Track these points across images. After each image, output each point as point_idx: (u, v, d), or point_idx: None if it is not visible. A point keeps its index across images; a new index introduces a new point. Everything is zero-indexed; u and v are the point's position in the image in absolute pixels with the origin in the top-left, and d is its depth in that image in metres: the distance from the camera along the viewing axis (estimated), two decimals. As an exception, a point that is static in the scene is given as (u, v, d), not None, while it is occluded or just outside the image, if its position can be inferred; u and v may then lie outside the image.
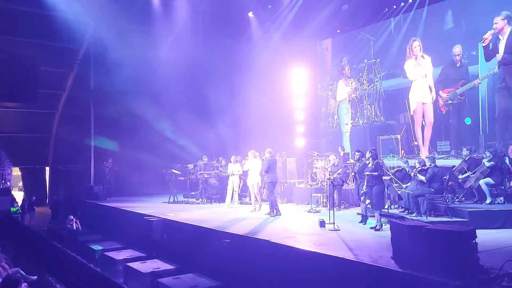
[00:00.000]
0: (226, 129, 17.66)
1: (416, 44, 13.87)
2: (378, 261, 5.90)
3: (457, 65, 12.81)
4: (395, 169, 11.40)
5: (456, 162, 11.27)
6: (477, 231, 5.42)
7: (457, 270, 4.94)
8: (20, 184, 21.07)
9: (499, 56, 11.73)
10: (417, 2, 13.72)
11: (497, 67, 11.81)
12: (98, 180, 17.05)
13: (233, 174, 12.61)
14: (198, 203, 14.14)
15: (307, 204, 12.16)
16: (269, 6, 16.94)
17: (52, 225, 14.18)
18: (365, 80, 15.74)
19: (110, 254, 10.61)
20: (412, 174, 10.14)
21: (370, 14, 14.96)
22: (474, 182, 9.80)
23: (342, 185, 11.67)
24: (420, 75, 13.83)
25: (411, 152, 13.76)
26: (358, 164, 9.65)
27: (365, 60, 15.70)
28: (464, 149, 10.63)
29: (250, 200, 12.27)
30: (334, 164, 11.95)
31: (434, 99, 13.46)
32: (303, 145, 16.29)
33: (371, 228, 8.65)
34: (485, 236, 6.72)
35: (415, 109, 13.98)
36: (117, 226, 12.77)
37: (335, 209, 9.27)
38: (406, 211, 9.83)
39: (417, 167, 10.09)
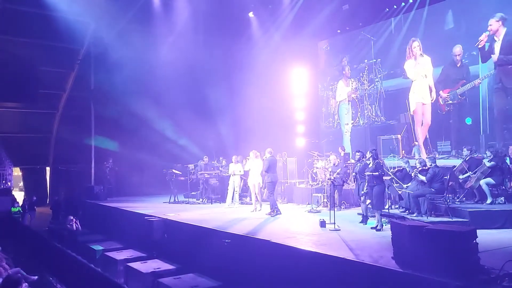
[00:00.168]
0: (226, 129, 17.66)
1: (416, 45, 13.87)
2: (378, 261, 5.90)
3: (458, 65, 12.81)
4: (396, 169, 11.39)
5: (456, 162, 11.27)
6: (477, 231, 5.42)
7: (457, 270, 4.93)
8: (21, 184, 21.10)
9: (495, 57, 11.82)
10: (417, 2, 13.73)
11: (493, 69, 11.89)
12: (98, 180, 17.06)
13: (234, 174, 12.60)
14: (199, 203, 14.14)
15: (308, 204, 12.16)
16: (270, 6, 16.94)
17: (52, 225, 14.19)
18: (366, 80, 15.74)
19: (110, 254, 10.62)
20: (412, 174, 10.14)
21: (371, 14, 14.96)
22: (475, 182, 9.79)
23: (343, 185, 11.67)
24: (420, 75, 13.83)
25: (412, 152, 13.75)
26: (358, 164, 9.64)
27: (366, 60, 15.70)
28: (465, 149, 10.62)
29: (251, 200, 12.27)
30: (334, 164, 11.95)
31: (434, 99, 13.46)
32: (303, 145, 16.29)
33: (371, 228, 8.64)
34: (485, 236, 6.71)
35: (415, 109, 13.98)
36: (117, 226, 12.77)
37: (335, 209, 9.26)
38: (407, 211, 9.83)
39: (417, 167, 10.09)
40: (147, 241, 10.54)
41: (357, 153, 9.93)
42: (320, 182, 12.80)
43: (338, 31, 16.58)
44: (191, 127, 17.29)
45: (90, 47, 17.54)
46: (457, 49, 12.73)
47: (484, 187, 9.59)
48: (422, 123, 13.75)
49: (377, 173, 8.72)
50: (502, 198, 9.56)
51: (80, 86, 18.13)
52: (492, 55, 11.90)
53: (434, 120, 13.44)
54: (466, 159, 10.38)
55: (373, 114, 15.47)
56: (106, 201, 15.27)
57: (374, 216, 8.90)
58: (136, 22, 16.63)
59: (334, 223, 8.70)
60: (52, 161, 19.58)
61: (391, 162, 13.05)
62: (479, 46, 12.14)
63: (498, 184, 9.64)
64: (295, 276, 6.70)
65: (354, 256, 6.30)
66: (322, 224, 8.86)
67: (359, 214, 9.92)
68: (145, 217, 10.83)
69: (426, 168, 9.82)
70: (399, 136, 14.07)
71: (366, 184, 8.97)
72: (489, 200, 9.52)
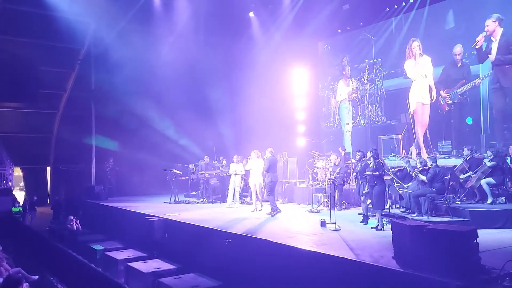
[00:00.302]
0: (227, 129, 17.66)
1: (416, 45, 13.87)
2: (379, 261, 5.90)
3: (458, 65, 12.80)
4: (396, 169, 11.39)
5: (457, 162, 11.27)
6: (478, 231, 5.41)
7: (458, 270, 4.93)
8: (22, 184, 21.12)
9: (492, 56, 11.87)
10: (418, 2, 13.71)
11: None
12: (99, 180, 17.07)
13: (236, 174, 12.60)
14: (199, 203, 14.15)
15: (308, 204, 12.16)
16: (270, 6, 16.93)
17: (53, 225, 14.21)
18: (366, 80, 15.73)
19: (111, 254, 10.62)
20: (413, 174, 10.14)
21: (371, 13, 14.95)
22: (476, 182, 9.78)
23: (343, 185, 11.66)
24: (419, 75, 13.83)
25: (409, 152, 13.75)
26: (359, 164, 9.64)
27: (366, 60, 15.69)
28: (465, 149, 10.62)
29: (251, 200, 12.27)
30: (335, 164, 11.94)
31: (434, 99, 13.45)
32: (304, 145, 16.29)
33: (372, 228, 8.64)
34: (486, 236, 6.70)
35: (415, 109, 13.99)
36: (118, 226, 12.78)
37: (336, 209, 9.26)
38: (407, 211, 9.82)
39: (418, 167, 10.09)
40: (148, 241, 10.54)
41: (357, 153, 9.92)
42: (320, 182, 12.80)
43: (339, 30, 16.58)
44: (192, 127, 17.29)
45: (90, 47, 17.56)
46: (458, 48, 12.73)
47: (485, 187, 9.58)
48: (421, 123, 13.75)
49: (377, 173, 8.72)
50: (503, 198, 9.55)
51: (81, 86, 18.15)
52: (489, 55, 11.96)
53: (435, 120, 13.43)
54: (467, 158, 10.38)
55: (374, 114, 15.47)
56: (107, 201, 15.28)
57: (375, 216, 8.89)
58: (136, 22, 16.64)
59: (335, 223, 8.69)
60: (52, 161, 19.60)
61: (392, 162, 13.05)
62: (476, 47, 12.20)
63: (499, 184, 9.63)
64: (295, 276, 6.70)
65: (355, 256, 6.29)
66: (323, 224, 8.86)
67: (359, 214, 9.92)
68: (146, 217, 10.84)
69: (427, 168, 9.82)
70: (399, 136, 14.07)
71: (367, 184, 8.97)
72: (489, 200, 9.51)
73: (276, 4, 16.71)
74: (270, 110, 16.90)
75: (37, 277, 7.43)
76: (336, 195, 11.07)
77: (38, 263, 9.63)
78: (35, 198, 16.25)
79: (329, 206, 10.43)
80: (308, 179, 13.88)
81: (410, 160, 11.42)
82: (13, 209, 14.99)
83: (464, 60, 12.65)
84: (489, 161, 9.69)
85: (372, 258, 6.07)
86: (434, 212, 9.30)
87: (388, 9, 14.56)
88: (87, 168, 17.71)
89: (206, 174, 14.24)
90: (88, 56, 17.75)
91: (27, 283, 5.35)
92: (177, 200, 14.28)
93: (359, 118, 15.99)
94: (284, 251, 7.08)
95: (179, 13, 17.40)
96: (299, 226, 9.39)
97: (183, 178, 14.99)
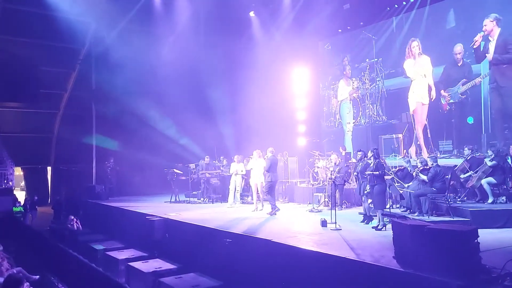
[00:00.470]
0: (227, 129, 17.66)
1: (415, 44, 13.87)
2: (380, 261, 5.90)
3: (459, 64, 12.79)
4: (397, 169, 11.39)
5: (458, 161, 11.26)
6: (479, 230, 5.40)
7: (459, 269, 4.93)
8: (22, 184, 21.14)
9: (490, 56, 11.88)
10: (418, 1, 13.69)
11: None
12: (100, 179, 17.09)
13: (237, 174, 12.60)
14: (200, 202, 14.15)
15: (309, 203, 12.15)
16: (270, 5, 16.92)
17: (54, 225, 14.22)
18: (367, 79, 15.72)
19: (112, 253, 10.63)
20: (414, 174, 10.13)
21: (372, 13, 14.93)
22: (476, 181, 9.78)
23: (344, 184, 11.65)
24: (419, 75, 13.83)
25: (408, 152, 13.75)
26: (360, 164, 9.64)
27: (367, 59, 15.67)
28: (466, 149, 10.61)
29: (253, 199, 12.26)
30: (335, 164, 11.93)
31: (434, 98, 13.44)
32: (304, 145, 16.28)
33: (372, 227, 8.64)
34: (487, 236, 6.68)
35: (415, 109, 13.98)
36: (119, 226, 12.78)
37: (336, 208, 9.25)
38: (408, 210, 9.82)
39: (419, 166, 10.08)
40: (148, 241, 10.55)
41: (358, 152, 9.93)
42: (321, 182, 12.79)
43: (339, 30, 16.56)
44: (192, 126, 17.30)
45: (91, 47, 17.58)
46: (458, 48, 12.71)
47: (486, 186, 9.57)
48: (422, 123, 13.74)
49: (377, 172, 8.71)
50: (504, 198, 9.55)
51: (81, 86, 18.17)
52: (486, 55, 11.98)
53: (436, 119, 13.41)
54: (468, 158, 10.37)
55: (375, 113, 15.45)
56: (108, 200, 15.29)
57: (376, 216, 8.89)
58: (137, 22, 16.67)
59: (335, 223, 8.69)
60: (53, 161, 19.63)
61: (393, 162, 13.03)
62: (474, 46, 12.22)
63: (500, 184, 9.62)
64: (296, 276, 6.70)
65: (355, 255, 6.29)
66: (323, 223, 8.86)
67: (360, 213, 9.92)
68: (146, 217, 10.85)
69: (428, 167, 9.82)
70: (400, 135, 14.06)
71: (368, 183, 8.97)
72: (490, 200, 9.51)
73: (277, 3, 16.71)
74: (271, 109, 16.89)
75: (37, 276, 7.43)
76: (337, 195, 11.06)
77: (39, 263, 9.64)
78: (36, 198, 16.27)
79: (330, 205, 10.42)
80: (309, 178, 13.87)
81: (410, 159, 11.41)
82: (14, 209, 15.01)
83: (465, 59, 12.64)
84: (490, 160, 9.69)
85: (372, 258, 6.07)
86: (435, 211, 9.29)
87: (388, 8, 14.54)
88: (88, 168, 17.74)
89: (206, 173, 14.24)
90: (88, 56, 17.77)
91: (28, 283, 5.35)
92: (178, 200, 14.28)
93: (360, 117, 15.98)
94: (284, 251, 7.08)
95: (180, 13, 17.42)
96: (300, 225, 9.39)
97: (183, 177, 15.00)
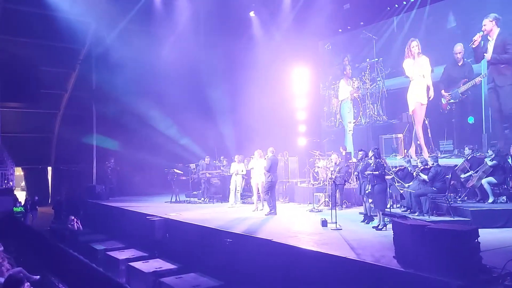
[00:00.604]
0: (228, 129, 17.66)
1: (414, 44, 13.87)
2: (380, 261, 5.90)
3: (459, 64, 12.78)
4: (397, 168, 11.38)
5: (459, 161, 11.25)
6: (479, 230, 5.40)
7: (459, 269, 4.93)
8: (23, 184, 21.14)
9: (488, 55, 11.89)
10: (418, 1, 13.68)
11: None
12: (100, 180, 17.10)
13: (237, 174, 12.61)
14: (200, 202, 14.16)
15: (309, 203, 12.15)
16: (270, 6, 16.91)
17: (54, 225, 14.21)
18: (368, 79, 15.71)
19: (112, 253, 10.64)
20: (414, 174, 10.13)
21: (372, 13, 14.92)
22: (477, 181, 9.78)
23: (344, 184, 11.65)
24: (418, 75, 13.84)
25: (416, 151, 13.75)
26: (361, 163, 9.63)
27: (368, 59, 15.66)
28: (467, 148, 10.61)
29: (253, 199, 12.26)
30: (336, 164, 11.93)
31: (432, 98, 13.46)
32: (305, 145, 16.27)
33: (373, 227, 8.64)
34: (487, 235, 6.68)
35: (414, 109, 14.00)
36: (119, 226, 12.79)
37: (337, 208, 9.25)
38: (409, 210, 9.81)
39: (419, 166, 10.08)
40: (149, 241, 10.55)
41: (360, 152, 9.92)
42: (321, 182, 12.79)
43: (340, 30, 16.55)
44: (193, 126, 17.31)
45: (91, 47, 17.60)
46: (458, 47, 12.70)
47: (486, 186, 9.57)
48: (426, 122, 13.73)
49: (377, 172, 8.71)
50: (504, 197, 9.54)
51: (82, 86, 18.18)
52: (485, 54, 12.00)
53: (437, 119, 13.39)
54: (468, 158, 10.37)
55: (375, 113, 15.44)
56: (108, 200, 15.30)
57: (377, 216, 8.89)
58: (137, 22, 16.68)
59: (336, 223, 8.69)
60: (53, 161, 19.63)
61: (393, 161, 13.02)
62: (473, 46, 12.23)
63: (500, 183, 9.62)
64: (296, 276, 6.70)
65: (356, 255, 6.29)
66: (324, 223, 8.86)
67: (360, 213, 9.92)
68: (147, 217, 10.85)
69: (428, 167, 9.81)
70: (401, 135, 14.06)
71: (369, 183, 8.97)
72: (491, 199, 9.50)
73: (277, 3, 16.70)
74: (271, 109, 16.89)
75: (38, 277, 7.41)
76: (337, 195, 11.06)
77: (39, 263, 9.64)
78: (36, 198, 16.27)
79: (330, 205, 10.42)
80: (309, 178, 13.87)
81: (411, 159, 11.40)
82: (15, 209, 15.01)
83: (465, 59, 12.63)
84: (490, 160, 9.68)
85: (373, 258, 6.06)
86: (435, 211, 9.29)
87: (389, 8, 14.53)
88: (88, 168, 17.75)
89: (207, 173, 14.25)
90: (89, 56, 17.78)
91: (28, 283, 5.34)
92: (178, 200, 14.28)
93: (361, 117, 15.97)
94: (285, 251, 7.08)
95: (180, 13, 17.43)
96: (300, 225, 9.39)
97: (184, 177, 15.01)
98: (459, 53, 12.70)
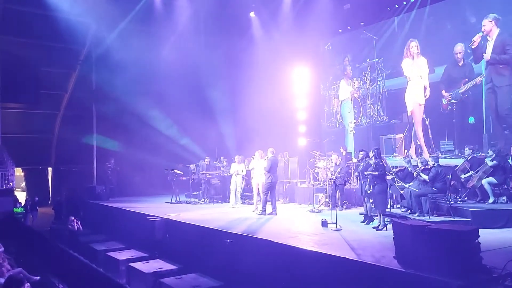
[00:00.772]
0: (228, 129, 17.66)
1: (413, 45, 13.88)
2: (380, 261, 5.89)
3: (460, 64, 12.77)
4: (398, 169, 11.37)
5: (459, 161, 11.23)
6: (479, 230, 5.40)
7: (459, 269, 4.92)
8: (23, 184, 21.14)
9: (487, 56, 11.89)
10: (419, 1, 13.68)
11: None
12: (100, 180, 17.10)
13: (237, 174, 12.60)
14: (200, 203, 14.15)
15: (309, 204, 12.14)
16: (270, 6, 16.91)
17: (54, 226, 14.22)
18: (368, 79, 15.70)
19: (112, 254, 10.64)
20: (414, 174, 10.12)
21: (372, 13, 14.92)
22: (477, 181, 9.77)
23: (344, 184, 11.65)
24: (415, 76, 13.86)
25: (416, 152, 13.75)
26: (362, 164, 9.62)
27: (368, 60, 15.65)
28: (467, 149, 10.60)
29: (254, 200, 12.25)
30: (336, 164, 11.93)
31: (428, 96, 13.50)
32: (305, 145, 16.25)
33: (373, 228, 8.63)
34: (487, 236, 6.68)
35: (412, 109, 14.02)
36: (119, 226, 12.80)
37: (337, 209, 9.25)
38: (409, 210, 9.80)
39: (419, 166, 10.07)
40: (149, 241, 10.55)
41: (360, 152, 9.90)
42: (321, 182, 12.79)
43: (340, 30, 16.55)
44: (193, 127, 17.31)
45: (91, 47, 17.60)
46: (458, 47, 12.70)
47: (486, 186, 9.57)
48: (426, 122, 13.73)
49: (376, 172, 8.70)
50: (504, 198, 9.54)
51: (82, 86, 18.18)
52: (484, 55, 11.99)
53: (437, 119, 13.38)
54: (468, 158, 10.36)
55: (376, 113, 15.43)
56: (108, 201, 15.30)
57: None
58: (137, 22, 16.68)
59: (336, 223, 8.68)
60: (54, 162, 19.62)
61: (393, 162, 13.02)
62: (473, 47, 12.23)
63: (500, 184, 9.61)
64: (297, 276, 6.69)
65: (356, 255, 6.29)
66: (324, 224, 8.85)
67: (361, 214, 9.92)
68: (147, 217, 10.85)
69: (429, 167, 9.80)
70: (401, 135, 14.05)
71: (369, 184, 8.96)
72: (491, 200, 9.49)
73: (277, 4, 16.70)
74: (271, 110, 16.89)
75: (38, 277, 7.42)
76: (337, 195, 11.06)
77: (39, 264, 9.63)
78: (37, 198, 16.27)
79: (330, 206, 10.42)
80: (309, 179, 13.87)
81: (411, 160, 11.40)
82: (15, 209, 15.00)
83: (465, 59, 12.63)
84: (490, 160, 9.68)
85: (373, 258, 6.06)
86: (436, 212, 9.29)
87: (389, 8, 14.53)
88: (88, 168, 17.74)
89: (207, 174, 14.25)
90: (89, 57, 17.79)
91: (28, 284, 5.34)
92: (178, 200, 14.29)
93: (361, 117, 15.96)
94: (285, 251, 7.08)
95: (180, 13, 17.43)
96: (300, 226, 9.39)
97: (184, 178, 15.01)
98: (459, 53, 12.70)
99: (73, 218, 12.95)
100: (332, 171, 11.32)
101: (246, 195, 13.78)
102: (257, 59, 17.05)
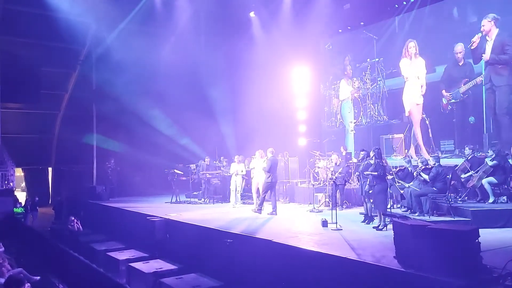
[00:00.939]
0: (228, 129, 17.67)
1: (412, 45, 13.87)
2: (380, 261, 5.89)
3: (460, 64, 12.76)
4: (398, 169, 11.37)
5: (459, 161, 11.23)
6: (480, 230, 5.39)
7: (460, 269, 4.92)
8: (23, 184, 21.16)
9: (486, 56, 11.88)
10: (419, 1, 13.66)
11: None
12: (100, 180, 17.10)
13: (237, 174, 12.60)
14: (201, 203, 14.16)
15: (309, 204, 12.14)
16: (270, 6, 16.91)
17: (55, 226, 14.23)
18: (368, 79, 15.69)
19: (112, 254, 10.63)
20: (415, 174, 10.11)
21: (372, 13, 14.91)
22: (477, 181, 9.77)
23: (345, 184, 11.65)
24: (413, 76, 13.88)
25: (415, 151, 13.75)
26: (362, 164, 9.62)
27: (368, 59, 15.63)
28: (467, 148, 10.60)
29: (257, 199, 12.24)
30: (336, 164, 11.93)
31: (424, 92, 13.52)
32: (305, 145, 16.25)
33: (373, 227, 8.63)
34: (488, 235, 6.68)
35: (410, 109, 14.02)
36: (119, 226, 12.80)
37: (337, 208, 9.24)
38: (409, 210, 9.79)
39: (420, 166, 10.07)
40: (149, 241, 10.54)
41: (361, 152, 9.90)
42: (321, 182, 12.79)
43: (340, 30, 16.54)
44: (193, 126, 17.32)
45: (91, 47, 17.62)
46: (459, 47, 12.68)
47: (487, 186, 9.56)
48: (426, 122, 13.73)
49: (376, 173, 8.70)
50: (505, 197, 9.54)
51: (82, 86, 18.20)
52: (483, 55, 11.99)
53: (438, 119, 13.37)
54: (468, 158, 10.36)
55: (376, 113, 15.42)
56: (108, 201, 15.29)
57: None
58: (137, 22, 16.68)
59: (336, 223, 8.68)
60: (54, 162, 19.64)
61: (393, 162, 13.01)
62: (472, 48, 12.22)
63: (501, 183, 9.61)
64: (297, 276, 6.69)
65: (356, 255, 6.29)
66: (324, 223, 8.85)
67: (361, 213, 9.92)
68: (147, 217, 10.84)
69: (430, 167, 9.80)
70: (401, 135, 14.05)
71: (369, 184, 8.96)
72: (491, 199, 9.49)
73: (277, 3, 16.70)
74: (271, 109, 16.89)
75: (38, 277, 7.43)
76: (338, 195, 11.05)
77: (39, 264, 9.64)
78: (37, 198, 16.28)
79: (331, 206, 10.41)
80: (309, 179, 13.87)
81: (411, 159, 11.40)
82: (15, 209, 15.03)
83: (466, 59, 12.62)
84: (490, 160, 9.67)
85: (373, 258, 6.06)
86: (436, 211, 9.28)
87: (389, 8, 14.52)
88: (89, 168, 17.75)
89: (207, 174, 14.25)
90: (89, 57, 17.80)
91: (29, 284, 5.34)
92: (178, 200, 14.29)
93: (361, 117, 15.95)
94: (285, 251, 7.07)
95: (180, 13, 17.42)
96: (300, 226, 9.39)
97: (184, 178, 15.01)
98: (460, 52, 12.69)
99: (73, 218, 12.97)
100: (332, 171, 11.31)
101: (246, 195, 13.77)
102: (257, 59, 17.04)
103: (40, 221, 15.34)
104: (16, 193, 17.08)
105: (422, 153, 13.20)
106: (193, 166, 15.02)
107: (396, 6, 14.25)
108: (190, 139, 17.64)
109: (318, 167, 13.26)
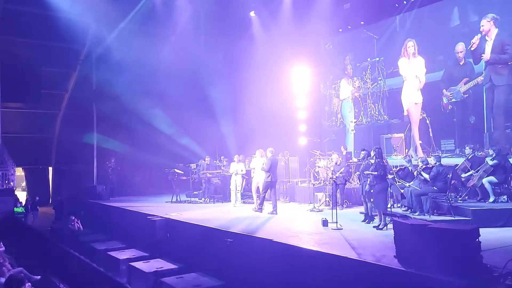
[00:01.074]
0: (228, 128, 17.67)
1: (411, 45, 13.88)
2: (381, 260, 5.89)
3: (461, 63, 12.76)
4: (398, 168, 11.37)
5: (460, 160, 11.22)
6: (480, 229, 5.38)
7: (460, 269, 4.92)
8: (23, 184, 21.18)
9: (486, 55, 11.89)
10: (419, 0, 13.66)
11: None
12: (101, 180, 17.11)
13: (237, 174, 12.61)
14: (201, 202, 14.16)
15: (310, 203, 12.14)
16: (270, 5, 16.91)
17: (55, 225, 14.24)
18: (369, 78, 15.69)
19: (113, 253, 10.62)
20: (415, 173, 10.12)
21: (372, 12, 14.91)
22: (477, 180, 9.77)
23: (345, 184, 11.65)
24: (411, 75, 13.88)
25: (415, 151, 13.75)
26: (363, 163, 9.61)
27: (369, 59, 15.64)
28: (467, 148, 10.60)
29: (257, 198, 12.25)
30: (336, 163, 11.93)
31: (421, 87, 13.53)
32: (305, 144, 16.25)
33: (373, 227, 8.63)
34: (488, 235, 6.68)
35: (408, 109, 14.02)
36: (120, 226, 12.79)
37: (337, 208, 9.24)
38: (409, 210, 9.80)
39: (420, 165, 10.07)
40: (150, 241, 10.55)
41: (362, 152, 9.90)
42: (322, 181, 12.79)
43: (340, 30, 16.54)
44: (193, 126, 17.32)
45: (91, 47, 17.62)
46: (460, 46, 12.68)
47: (487, 185, 9.56)
48: (427, 122, 13.73)
49: (375, 172, 8.69)
50: (505, 197, 9.54)
51: (82, 86, 18.22)
52: (482, 55, 12.00)
53: (438, 118, 13.38)
54: (469, 157, 10.36)
55: (376, 112, 15.42)
56: (109, 200, 15.30)
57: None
58: (137, 22, 16.68)
59: (336, 222, 8.68)
60: (54, 161, 19.67)
61: (394, 161, 13.01)
62: (472, 49, 12.24)
63: (501, 183, 9.61)
64: (297, 275, 6.69)
65: (357, 255, 6.29)
66: (324, 223, 8.85)
67: (361, 213, 9.91)
68: (148, 217, 10.85)
69: (430, 166, 9.80)
70: (401, 134, 14.05)
71: (369, 184, 8.96)
72: (491, 199, 9.49)
73: (277, 3, 16.69)
74: (272, 109, 16.87)
75: (39, 277, 7.44)
76: (338, 194, 11.05)
77: (40, 263, 9.65)
78: (37, 198, 16.30)
79: (331, 205, 10.42)
80: (310, 178, 13.87)
81: (412, 159, 11.40)
82: (15, 209, 15.05)
83: (466, 58, 12.62)
84: (491, 159, 9.67)
85: (374, 257, 6.06)
86: (436, 211, 9.28)
87: (389, 8, 14.51)
88: (89, 168, 17.76)
89: (207, 173, 14.25)
90: (89, 56, 17.82)
91: (29, 283, 5.35)
92: (179, 199, 14.29)
93: (362, 117, 15.95)
94: (285, 251, 7.07)
95: (180, 13, 17.42)
96: (301, 225, 9.39)
97: (184, 177, 15.01)
98: (461, 52, 12.68)
99: (73, 218, 12.98)
100: (332, 171, 11.30)
101: (247, 194, 13.78)
102: (257, 59, 17.03)
103: (40, 220, 15.36)
104: (16, 192, 17.09)
105: (418, 153, 13.23)
106: (193, 165, 15.02)
107: (397, 5, 14.25)
108: (190, 139, 17.64)
109: (319, 167, 13.26)
